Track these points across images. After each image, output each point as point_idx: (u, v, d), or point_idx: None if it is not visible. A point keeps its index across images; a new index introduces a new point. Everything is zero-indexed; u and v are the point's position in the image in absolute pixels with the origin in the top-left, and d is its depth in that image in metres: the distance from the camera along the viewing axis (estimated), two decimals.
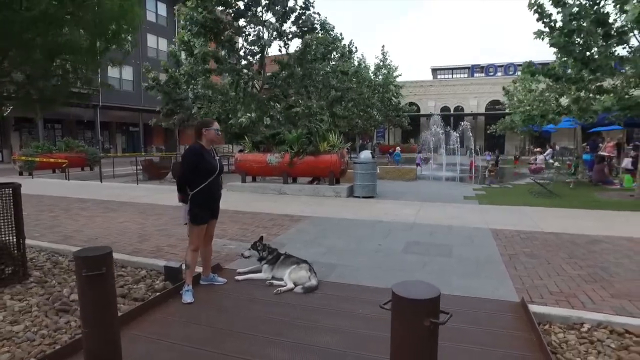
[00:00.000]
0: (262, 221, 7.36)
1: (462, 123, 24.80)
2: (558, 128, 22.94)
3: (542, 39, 11.16)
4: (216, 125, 4.04)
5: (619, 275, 4.42)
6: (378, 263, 4.96)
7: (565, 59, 10.87)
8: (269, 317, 3.45)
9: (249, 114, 11.68)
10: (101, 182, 13.97)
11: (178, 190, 3.91)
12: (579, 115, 10.88)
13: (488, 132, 29.29)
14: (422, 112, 37.13)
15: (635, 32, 9.66)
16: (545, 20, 10.70)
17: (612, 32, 9.92)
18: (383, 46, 33.32)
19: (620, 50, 10.10)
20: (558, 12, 10.31)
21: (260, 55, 13.03)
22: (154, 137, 34.97)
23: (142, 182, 13.99)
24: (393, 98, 30.94)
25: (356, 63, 26.05)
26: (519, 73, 34.09)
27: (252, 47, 12.88)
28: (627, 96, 9.10)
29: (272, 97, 12.99)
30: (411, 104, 37.02)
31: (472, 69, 37.60)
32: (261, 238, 4.57)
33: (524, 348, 2.94)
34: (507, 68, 35.86)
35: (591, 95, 10.00)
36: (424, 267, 4.81)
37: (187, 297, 3.73)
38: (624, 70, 9.72)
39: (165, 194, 10.82)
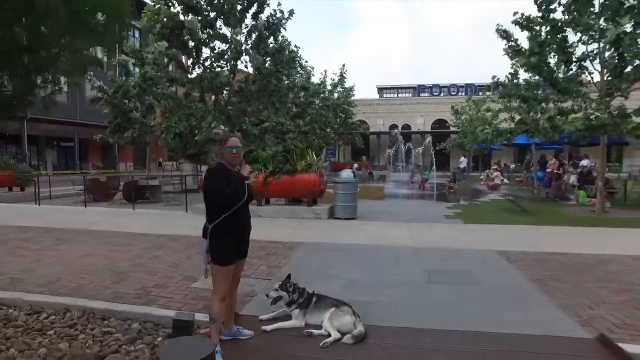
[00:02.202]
0: (253, 250, 6.51)
1: (427, 141, 25.57)
2: (503, 146, 24.27)
3: (511, 57, 11.60)
4: (232, 141, 3.18)
5: None
6: (411, 297, 4.42)
7: (536, 78, 11.29)
8: None
9: (222, 127, 10.72)
10: (38, 204, 12.14)
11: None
12: (545, 134, 11.34)
13: (437, 149, 30.32)
14: (371, 130, 37.76)
15: (596, 61, 10.28)
16: (511, 44, 11.12)
17: (573, 59, 10.50)
18: (343, 65, 33.17)
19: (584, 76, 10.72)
20: (527, 38, 10.71)
21: (229, 66, 12.15)
22: (90, 153, 32.03)
23: (90, 204, 12.34)
24: (347, 116, 31.11)
25: (315, 80, 25.93)
26: (462, 93, 36.16)
27: (219, 62, 12.02)
28: (593, 117, 9.56)
29: (242, 111, 12.13)
30: (361, 121, 37.56)
31: (418, 89, 39.13)
32: (289, 276, 3.84)
33: None
34: (450, 88, 37.77)
35: (559, 116, 10.42)
36: (461, 300, 4.34)
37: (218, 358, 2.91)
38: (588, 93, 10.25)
39: (125, 218, 9.53)
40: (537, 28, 10.61)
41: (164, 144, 12.97)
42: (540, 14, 10.48)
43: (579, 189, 14.08)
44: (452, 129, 29.68)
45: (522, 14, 10.66)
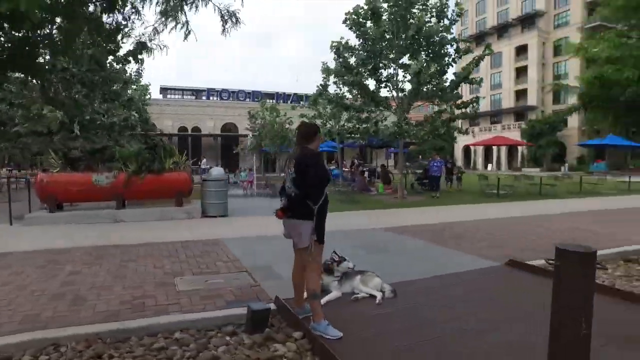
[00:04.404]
0: (189, 250, 6.00)
1: (245, 143, 25.89)
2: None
3: (330, 74, 13.90)
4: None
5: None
6: (379, 265, 5.25)
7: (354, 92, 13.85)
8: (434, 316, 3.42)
9: (58, 114, 8.44)
10: None
11: (298, 203, 3.17)
12: (363, 137, 14.06)
13: (234, 152, 31.36)
14: (158, 131, 35.43)
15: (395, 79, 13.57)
16: (341, 60, 13.36)
17: (382, 79, 13.55)
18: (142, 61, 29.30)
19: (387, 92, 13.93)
20: (352, 56, 13.12)
21: None
22: None
23: None
24: (141, 115, 28.26)
25: None
26: (249, 100, 38.39)
27: None
28: (404, 124, 12.66)
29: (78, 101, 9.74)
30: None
31: (207, 92, 39.11)
32: (334, 252, 4.15)
33: None
34: (238, 94, 39.46)
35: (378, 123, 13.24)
36: (412, 260, 5.54)
37: (334, 332, 3.08)
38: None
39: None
40: (356, 51, 13.24)
41: None
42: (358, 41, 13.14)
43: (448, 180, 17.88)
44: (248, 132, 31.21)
45: (345, 39, 13.11)
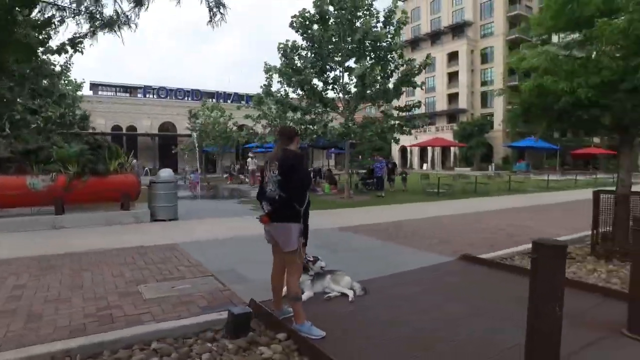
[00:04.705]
0: (146, 256, 5.70)
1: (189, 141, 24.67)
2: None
3: (272, 74, 13.93)
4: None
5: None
6: (343, 264, 5.41)
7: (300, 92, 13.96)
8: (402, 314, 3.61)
9: None
10: None
11: (284, 206, 3.18)
12: (311, 138, 14.21)
13: (173, 152, 30.10)
14: (91, 130, 32.99)
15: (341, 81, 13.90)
16: (287, 61, 13.40)
17: (329, 81, 13.81)
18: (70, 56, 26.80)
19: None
20: (299, 57, 13.22)
21: None
22: None
23: None
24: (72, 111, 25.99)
25: None
26: (188, 98, 37.08)
27: None
28: (350, 125, 13.00)
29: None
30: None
31: (144, 90, 37.03)
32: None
33: None
34: (177, 92, 37.85)
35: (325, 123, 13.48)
36: (363, 258, 5.77)
37: (317, 331, 3.16)
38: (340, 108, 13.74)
39: None
40: (303, 53, 13.37)
41: None
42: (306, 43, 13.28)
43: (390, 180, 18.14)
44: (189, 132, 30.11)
45: (293, 41, 13.20)
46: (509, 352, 2.88)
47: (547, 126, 6.21)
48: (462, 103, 55.68)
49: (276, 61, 14.07)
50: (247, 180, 23.23)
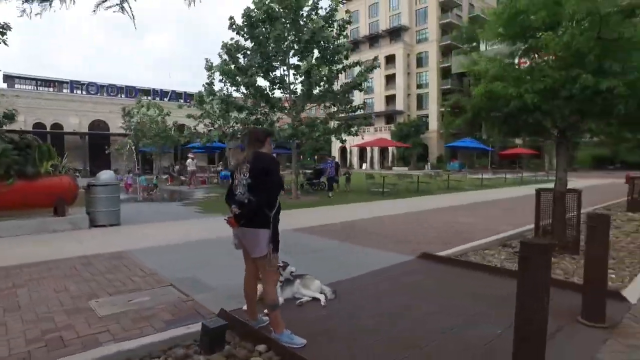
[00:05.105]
0: (92, 266, 5.17)
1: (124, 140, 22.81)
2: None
3: (214, 72, 13.56)
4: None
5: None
6: (305, 267, 5.33)
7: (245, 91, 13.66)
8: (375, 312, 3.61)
9: None
10: None
11: (255, 210, 3.02)
12: (227, 139, 14.10)
13: (107, 152, 27.99)
14: (11, 127, 29.74)
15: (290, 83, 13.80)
16: (232, 61, 13.06)
17: (275, 80, 13.65)
18: None
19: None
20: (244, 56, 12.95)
21: None
22: None
23: None
24: None
25: None
26: (122, 96, 34.86)
27: None
28: (300, 125, 12.93)
29: None
30: None
31: (71, 85, 33.91)
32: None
33: None
34: (109, 88, 35.21)
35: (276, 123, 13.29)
36: (318, 263, 5.75)
37: (299, 340, 3.05)
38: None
39: None
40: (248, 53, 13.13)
41: None
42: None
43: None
44: (124, 131, 28.27)
45: (236, 40, 12.95)
46: (491, 345, 2.99)
47: (496, 129, 6.58)
48: (399, 105, 57.91)
49: (213, 58, 13.68)
50: (187, 181, 22.26)
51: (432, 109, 55.99)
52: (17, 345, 3.09)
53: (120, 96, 35.10)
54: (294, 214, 10.68)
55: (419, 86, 58.40)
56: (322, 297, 4.02)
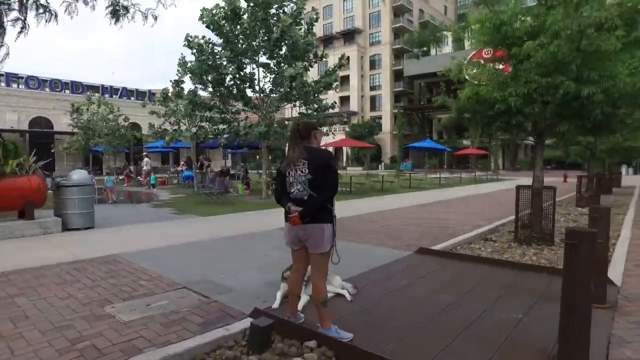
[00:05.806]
0: (87, 272, 4.85)
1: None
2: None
3: (186, 71, 13.24)
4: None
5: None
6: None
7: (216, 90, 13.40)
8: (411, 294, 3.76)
9: None
10: None
11: (318, 206, 3.04)
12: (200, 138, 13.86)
13: (52, 151, 26.02)
14: None
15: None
16: (203, 57, 12.75)
17: (246, 79, 13.51)
18: None
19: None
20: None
21: None
22: None
23: None
24: None
25: None
26: (68, 92, 32.62)
27: None
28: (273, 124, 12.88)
29: None
30: None
31: (7, 78, 30.95)
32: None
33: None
34: (52, 83, 32.57)
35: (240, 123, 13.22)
36: None
37: (345, 334, 3.12)
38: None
39: None
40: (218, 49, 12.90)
41: None
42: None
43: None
44: (72, 129, 26.40)
45: (203, 35, 12.72)
46: (520, 326, 3.24)
47: (482, 130, 6.99)
48: (353, 106, 59.00)
49: (172, 57, 13.24)
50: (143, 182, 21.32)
51: (386, 110, 57.65)
52: (50, 357, 2.89)
53: (65, 92, 32.68)
54: (272, 214, 10.64)
55: (372, 88, 59.90)
56: (346, 293, 4.12)
